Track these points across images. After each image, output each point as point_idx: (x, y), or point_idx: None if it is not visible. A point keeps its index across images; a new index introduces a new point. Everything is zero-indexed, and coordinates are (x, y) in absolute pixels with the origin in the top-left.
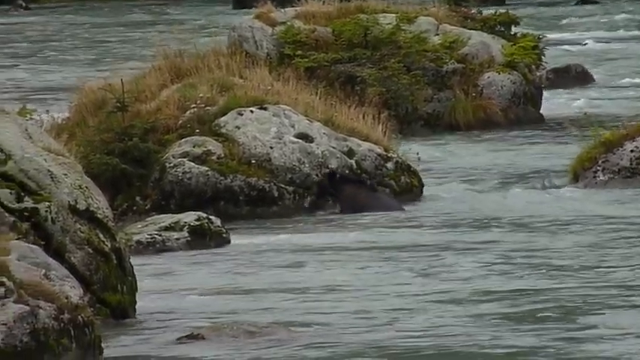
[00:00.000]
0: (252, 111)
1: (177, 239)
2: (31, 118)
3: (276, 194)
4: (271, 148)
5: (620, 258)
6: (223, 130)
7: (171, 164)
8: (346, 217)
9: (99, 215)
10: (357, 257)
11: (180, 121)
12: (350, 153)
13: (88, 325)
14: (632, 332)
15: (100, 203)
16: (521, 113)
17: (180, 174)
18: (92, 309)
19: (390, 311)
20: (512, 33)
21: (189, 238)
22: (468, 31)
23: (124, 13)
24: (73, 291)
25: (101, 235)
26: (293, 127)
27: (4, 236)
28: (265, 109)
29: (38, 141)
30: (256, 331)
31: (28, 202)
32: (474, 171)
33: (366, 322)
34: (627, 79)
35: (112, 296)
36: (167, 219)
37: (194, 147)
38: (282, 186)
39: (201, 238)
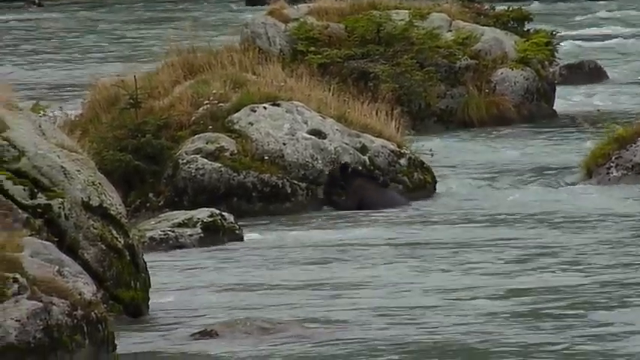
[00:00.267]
0: (265, 107)
1: (191, 235)
2: (45, 115)
3: (289, 190)
4: (284, 144)
5: (636, 255)
6: (236, 127)
7: (185, 161)
8: (360, 213)
9: (112, 212)
10: (371, 254)
11: (193, 118)
12: (363, 149)
13: (101, 322)
14: None
15: (113, 200)
16: (535, 109)
17: (193, 170)
18: (105, 305)
19: (408, 308)
20: (525, 29)
21: (202, 235)
22: (481, 27)
23: (137, 9)
24: (86, 287)
25: (114, 232)
26: (306, 123)
27: (18, 232)
28: (278, 105)
29: (51, 137)
30: (270, 327)
31: (41, 199)
32: (487, 167)
33: (382, 319)
34: None
35: (125, 293)
36: (180, 215)
37: (207, 143)
38: (295, 182)
39: (214, 235)
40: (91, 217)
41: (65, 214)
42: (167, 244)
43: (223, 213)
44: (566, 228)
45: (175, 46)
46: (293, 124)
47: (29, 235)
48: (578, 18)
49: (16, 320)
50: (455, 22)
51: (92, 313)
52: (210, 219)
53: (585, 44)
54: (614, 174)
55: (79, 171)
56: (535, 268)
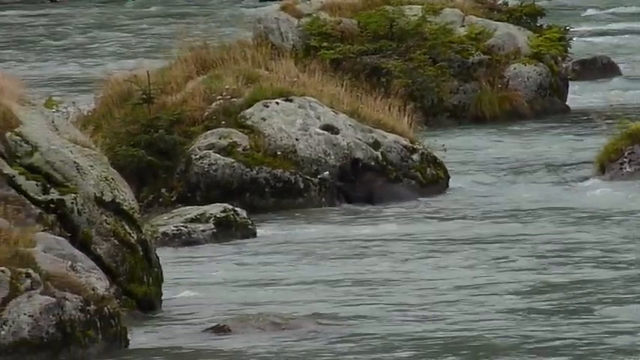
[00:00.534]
0: (277, 103)
1: (203, 231)
2: (58, 110)
3: (301, 186)
4: (297, 139)
5: None
6: (249, 122)
7: (197, 156)
8: (372, 209)
9: (125, 207)
10: (385, 249)
11: (205, 113)
12: (375, 145)
13: (114, 317)
14: None
15: (125, 195)
16: (548, 105)
17: (206, 166)
18: (118, 300)
19: (424, 304)
20: (538, 24)
21: (215, 230)
22: (494, 22)
23: (150, 5)
24: (99, 282)
25: (127, 227)
26: (319, 118)
27: (31, 228)
28: (291, 100)
29: (64, 133)
30: (282, 322)
31: (54, 194)
32: (499, 163)
33: (398, 314)
34: None
35: (138, 288)
36: (193, 211)
37: (220, 139)
38: (308, 178)
39: (227, 230)
40: (104, 213)
41: (78, 210)
42: (180, 239)
43: (236, 208)
44: (580, 223)
45: (188, 41)
46: (306, 119)
47: (42, 231)
48: (591, 13)
49: (29, 315)
50: (468, 17)
51: (105, 308)
52: (222, 214)
53: (598, 40)
54: (627, 169)
55: (91, 166)
56: (553, 264)
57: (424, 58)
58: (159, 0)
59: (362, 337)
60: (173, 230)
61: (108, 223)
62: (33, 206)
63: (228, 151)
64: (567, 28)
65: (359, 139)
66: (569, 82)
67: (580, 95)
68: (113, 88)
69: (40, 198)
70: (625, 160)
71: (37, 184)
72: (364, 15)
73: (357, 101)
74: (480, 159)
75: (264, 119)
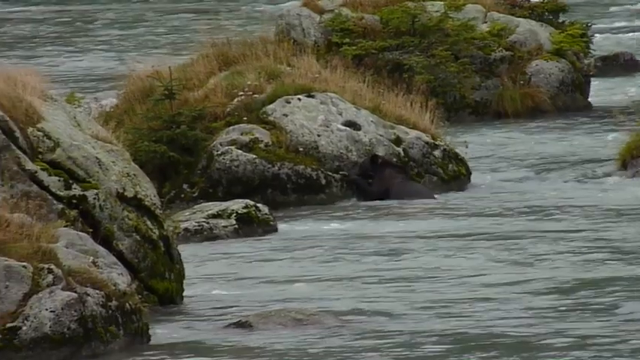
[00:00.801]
0: (299, 99)
1: (225, 227)
2: (80, 106)
3: (323, 182)
4: (319, 135)
5: None
6: (271, 118)
7: (219, 152)
8: (394, 204)
9: (147, 203)
10: (407, 245)
11: (227, 109)
12: (397, 141)
13: (135, 312)
14: None
15: (147, 191)
16: (569, 101)
17: (227, 162)
18: (140, 296)
19: (447, 300)
20: (560, 21)
21: (236, 226)
22: (516, 18)
23: (173, 1)
24: (120, 278)
25: (149, 223)
26: (340, 114)
27: (53, 224)
28: (313, 96)
29: (86, 128)
30: (304, 318)
31: (76, 190)
32: (521, 159)
33: (420, 311)
34: None
35: (160, 283)
36: (215, 207)
37: (242, 135)
38: (330, 174)
39: (249, 226)
40: (126, 208)
41: (100, 205)
42: (201, 235)
43: (258, 204)
44: (604, 220)
45: (210, 37)
46: (327, 115)
47: (64, 226)
48: (613, 9)
49: (51, 311)
50: (490, 13)
51: (126, 303)
52: (244, 210)
53: (621, 36)
54: None
55: (113, 162)
56: (579, 261)
57: (446, 55)
58: None
59: (385, 333)
60: (195, 226)
61: (130, 219)
62: (55, 202)
63: (250, 147)
64: (589, 24)
65: (381, 136)
66: (591, 79)
67: (602, 92)
68: (135, 83)
69: (62, 194)
70: None
71: (59, 180)
72: (386, 11)
73: (379, 97)
74: (501, 155)
75: (286, 115)
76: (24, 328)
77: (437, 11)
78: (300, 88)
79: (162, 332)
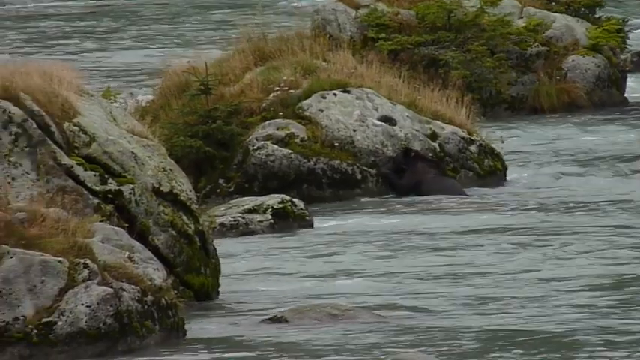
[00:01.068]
0: (335, 94)
1: (261, 222)
2: (116, 101)
3: (359, 177)
4: (354, 131)
5: None
6: (306, 113)
7: (255, 147)
8: (430, 199)
9: (182, 198)
10: (443, 240)
11: (263, 104)
12: (433, 136)
13: (171, 307)
14: None
15: (183, 186)
16: (605, 96)
17: (263, 157)
18: (175, 291)
19: (485, 296)
20: (596, 16)
21: (272, 221)
22: (552, 14)
23: None
24: (156, 273)
25: (184, 218)
26: (376, 110)
27: (89, 218)
28: (348, 92)
29: (122, 123)
30: (339, 313)
31: (112, 185)
32: (557, 154)
33: (458, 306)
34: None
35: (196, 278)
36: (250, 202)
37: (277, 130)
38: (365, 169)
39: (284, 221)
40: (162, 203)
41: (136, 200)
42: (237, 230)
43: (293, 199)
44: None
45: (246, 32)
46: (363, 110)
47: (100, 221)
48: None
49: (87, 306)
50: (526, 8)
51: (162, 298)
52: (280, 205)
53: None
54: None
55: (149, 157)
56: (619, 257)
57: (482, 50)
58: None
59: (422, 329)
60: (230, 221)
61: (165, 214)
62: (91, 197)
63: (285, 142)
64: (626, 19)
65: (416, 131)
66: (628, 74)
67: (638, 87)
68: (171, 78)
69: (98, 188)
70: None
71: (95, 175)
72: (422, 6)
73: (415, 92)
74: (537, 151)
75: (321, 110)
76: (60, 322)
77: (473, 6)
78: (336, 84)
79: (197, 327)
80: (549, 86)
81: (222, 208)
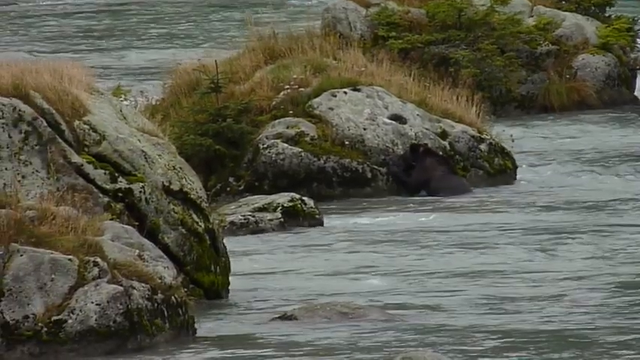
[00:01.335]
0: (345, 92)
1: (271, 220)
2: (126, 99)
3: (369, 175)
4: (364, 129)
5: None
6: (317, 112)
7: (265, 145)
8: (441, 198)
9: (192, 196)
10: (454, 239)
11: (273, 102)
12: (443, 134)
13: (181, 306)
14: None
15: (193, 184)
16: (616, 95)
17: (273, 155)
18: (185, 289)
19: (495, 296)
20: (606, 15)
21: (282, 219)
22: (562, 12)
23: None
24: (166, 271)
25: (195, 216)
26: (386, 108)
27: (99, 217)
28: (359, 90)
29: (132, 121)
30: (349, 312)
31: (122, 183)
32: (567, 153)
33: (467, 306)
34: None
35: (206, 276)
36: (260, 200)
37: (287, 128)
38: (376, 167)
39: (295, 219)
40: (172, 202)
41: (146, 199)
42: (247, 228)
43: (303, 198)
44: None
45: (256, 30)
46: (373, 109)
47: (110, 219)
48: None
49: (97, 304)
50: (536, 7)
51: (172, 297)
52: (290, 204)
53: None
54: None
55: (159, 155)
56: (635, 256)
57: (492, 48)
58: None
59: (432, 328)
60: (240, 219)
61: (176, 212)
62: (101, 195)
63: (295, 140)
64: (636, 18)
65: (427, 129)
66: (638, 73)
67: None
68: (181, 77)
69: (108, 187)
70: None
71: (105, 173)
72: (432, 5)
73: (425, 91)
74: (548, 149)
75: (331, 109)
76: (70, 321)
77: (483, 5)
78: (346, 82)
79: (208, 325)
80: (559, 85)
81: (233, 207)
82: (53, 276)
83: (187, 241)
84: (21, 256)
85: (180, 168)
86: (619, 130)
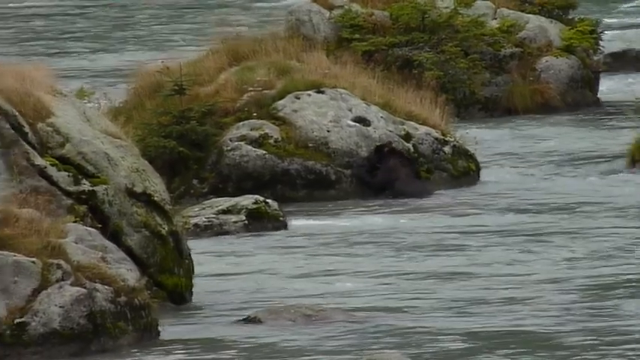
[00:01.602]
0: (309, 94)
1: (235, 222)
2: (89, 101)
3: (333, 178)
4: (328, 131)
5: None
6: (281, 114)
7: (229, 147)
8: (407, 200)
9: (156, 198)
10: (417, 241)
11: (237, 105)
12: (407, 137)
13: (144, 308)
14: None
15: (157, 186)
16: (579, 97)
17: (237, 157)
18: (149, 292)
19: (456, 298)
20: (569, 17)
21: (246, 222)
22: (526, 15)
23: None
24: (129, 274)
25: (158, 218)
26: (350, 110)
27: (62, 219)
28: (323, 92)
29: (96, 124)
30: (314, 314)
31: (85, 185)
32: (531, 155)
33: (435, 309)
34: None
35: (169, 279)
36: (224, 202)
37: (252, 130)
38: (340, 169)
39: (259, 222)
40: (135, 204)
41: (109, 201)
42: (211, 230)
43: (267, 200)
44: (612, 216)
45: (221, 33)
46: (337, 111)
47: (73, 222)
48: (623, 6)
49: (60, 306)
50: (500, 9)
51: (135, 299)
52: (254, 206)
53: (630, 32)
54: None
55: (123, 157)
56: (592, 258)
57: (456, 51)
58: None
59: (398, 330)
60: (204, 221)
61: (139, 215)
62: (64, 197)
63: (260, 142)
64: (599, 21)
65: (391, 131)
66: (601, 75)
67: (611, 88)
68: (145, 79)
69: (71, 189)
70: None
71: (68, 175)
72: (396, 7)
73: (389, 93)
74: (511, 151)
75: (295, 111)
76: (33, 323)
77: (447, 7)
78: (310, 84)
79: (171, 328)
80: (523, 87)
81: (196, 209)
82: (16, 278)
83: (151, 243)
84: None
85: (144, 170)
86: (582, 132)
